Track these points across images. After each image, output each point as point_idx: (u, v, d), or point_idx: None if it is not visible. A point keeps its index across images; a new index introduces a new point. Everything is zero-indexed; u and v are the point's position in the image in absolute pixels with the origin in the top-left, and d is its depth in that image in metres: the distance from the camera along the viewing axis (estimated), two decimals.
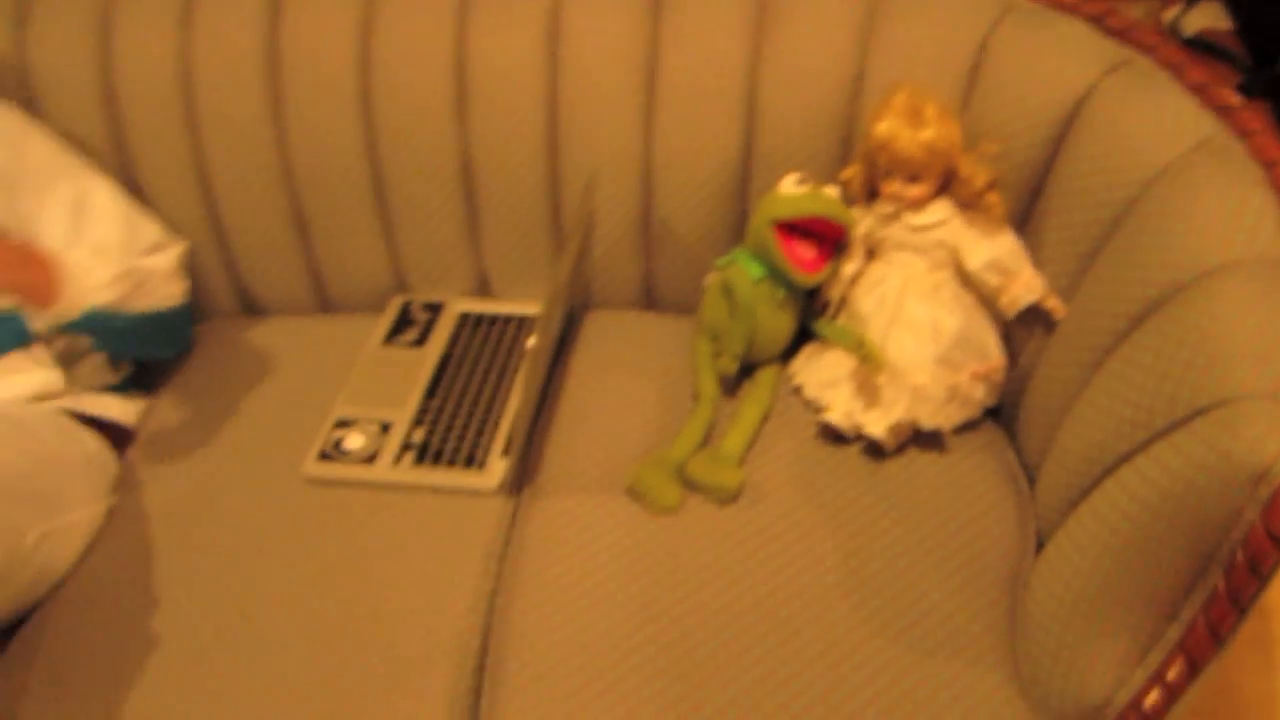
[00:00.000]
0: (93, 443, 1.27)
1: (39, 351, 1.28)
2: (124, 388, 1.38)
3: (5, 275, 1.13)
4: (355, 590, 1.11)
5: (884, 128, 1.17)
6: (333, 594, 1.11)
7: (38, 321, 1.19)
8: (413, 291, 1.48)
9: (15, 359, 1.26)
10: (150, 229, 1.38)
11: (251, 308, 1.51)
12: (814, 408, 1.26)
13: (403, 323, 1.43)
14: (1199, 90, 1.08)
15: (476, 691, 1.04)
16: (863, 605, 1.07)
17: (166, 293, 1.34)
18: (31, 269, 1.16)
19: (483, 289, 1.48)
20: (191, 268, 1.44)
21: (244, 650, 1.07)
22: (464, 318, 1.43)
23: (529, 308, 1.45)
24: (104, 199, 1.33)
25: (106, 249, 1.30)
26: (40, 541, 1.11)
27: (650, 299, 1.46)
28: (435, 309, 1.45)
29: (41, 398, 1.26)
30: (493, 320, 1.43)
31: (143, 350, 1.40)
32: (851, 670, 1.02)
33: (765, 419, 1.26)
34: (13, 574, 1.08)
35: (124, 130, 1.38)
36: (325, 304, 1.51)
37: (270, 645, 1.07)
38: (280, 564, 1.15)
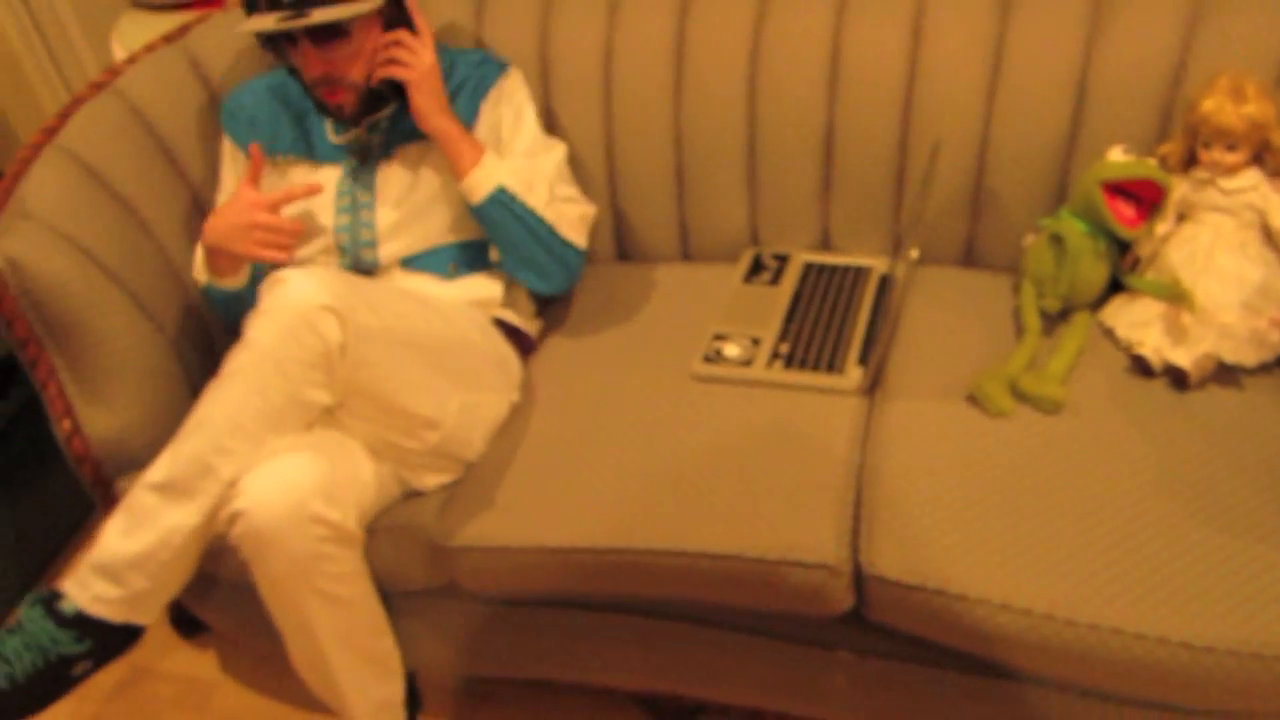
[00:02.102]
0: (506, 346, 1.58)
1: (493, 277, 1.61)
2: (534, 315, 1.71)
3: (453, 133, 1.47)
4: (746, 451, 1.36)
5: (1210, 103, 1.38)
6: (731, 453, 1.36)
7: (466, 192, 1.49)
8: (762, 244, 1.76)
9: (481, 275, 1.61)
10: (576, 190, 1.68)
11: (626, 255, 1.82)
12: (1124, 345, 1.45)
13: (756, 268, 1.71)
14: None
15: (855, 521, 1.29)
16: (1178, 497, 1.23)
17: (570, 232, 1.60)
18: (467, 138, 1.49)
19: (823, 243, 1.73)
20: None
21: (647, 486, 1.34)
22: (808, 266, 1.70)
23: (867, 260, 1.69)
24: (559, 151, 1.65)
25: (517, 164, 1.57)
26: (461, 411, 1.41)
27: (970, 257, 1.68)
28: (782, 259, 1.72)
29: (481, 305, 1.59)
30: (834, 269, 1.68)
31: (532, 264, 1.56)
32: (1176, 542, 1.18)
33: (1081, 353, 1.45)
34: (453, 431, 1.40)
35: (553, 95, 1.72)
36: (686, 253, 1.80)
37: (682, 485, 1.34)
38: (678, 430, 1.42)
